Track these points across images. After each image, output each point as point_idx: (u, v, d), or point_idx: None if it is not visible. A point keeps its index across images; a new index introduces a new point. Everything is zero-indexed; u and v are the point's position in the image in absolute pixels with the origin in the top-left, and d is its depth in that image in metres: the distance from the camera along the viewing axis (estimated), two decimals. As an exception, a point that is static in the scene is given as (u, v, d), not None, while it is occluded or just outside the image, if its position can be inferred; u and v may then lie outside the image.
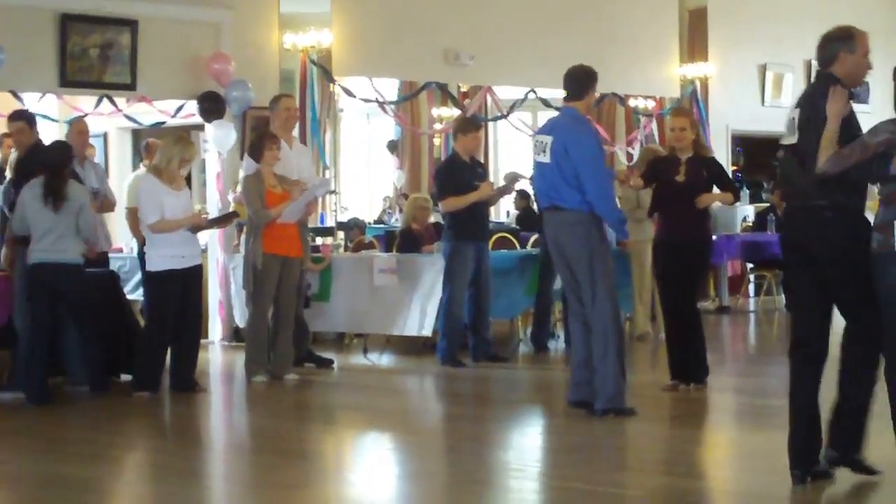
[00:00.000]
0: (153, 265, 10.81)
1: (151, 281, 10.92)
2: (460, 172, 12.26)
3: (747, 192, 20.26)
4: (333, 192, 13.61)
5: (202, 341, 13.64)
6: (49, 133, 14.05)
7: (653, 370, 11.72)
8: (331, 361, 12.40)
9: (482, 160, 14.18)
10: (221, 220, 12.16)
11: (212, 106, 14.07)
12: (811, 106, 6.72)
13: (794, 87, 19.61)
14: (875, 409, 6.77)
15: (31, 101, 13.64)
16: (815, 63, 6.95)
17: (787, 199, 7.04)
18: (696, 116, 18.73)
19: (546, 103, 16.53)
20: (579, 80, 9.28)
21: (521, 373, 12.45)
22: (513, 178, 12.79)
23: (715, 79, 19.06)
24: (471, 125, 12.55)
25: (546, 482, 7.58)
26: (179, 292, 10.73)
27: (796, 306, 7.07)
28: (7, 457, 8.70)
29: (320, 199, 12.35)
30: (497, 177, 17.73)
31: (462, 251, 12.13)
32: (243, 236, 12.14)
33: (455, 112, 17.91)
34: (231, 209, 12.90)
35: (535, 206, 15.45)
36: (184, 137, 11.14)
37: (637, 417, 9.03)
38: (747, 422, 9.31)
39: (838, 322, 6.78)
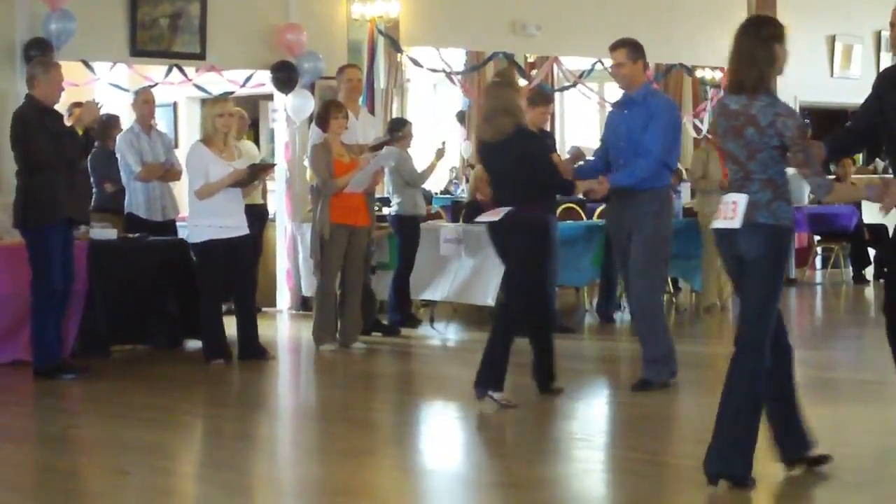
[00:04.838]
0: (195, 236, 10.83)
1: (196, 252, 10.98)
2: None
3: (816, 164, 20.08)
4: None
5: (270, 310, 13.81)
6: (120, 103, 14.19)
7: (719, 341, 11.68)
8: (398, 330, 12.47)
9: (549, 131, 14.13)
10: (259, 170, 11.39)
11: (286, 76, 14.14)
12: None
13: (863, 58, 19.37)
14: None
15: (102, 71, 13.74)
16: (885, 34, 6.65)
17: None
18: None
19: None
20: None
21: (587, 344, 12.46)
22: (576, 153, 12.74)
23: (784, 49, 18.85)
24: (541, 99, 12.48)
25: (611, 452, 7.60)
26: (225, 262, 10.75)
27: None
28: (77, 422, 8.85)
29: (387, 170, 12.35)
30: (564, 149, 17.67)
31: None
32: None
33: (522, 83, 17.85)
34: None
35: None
36: (213, 99, 11.14)
37: (704, 389, 9.01)
38: (813, 395, 9.24)
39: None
